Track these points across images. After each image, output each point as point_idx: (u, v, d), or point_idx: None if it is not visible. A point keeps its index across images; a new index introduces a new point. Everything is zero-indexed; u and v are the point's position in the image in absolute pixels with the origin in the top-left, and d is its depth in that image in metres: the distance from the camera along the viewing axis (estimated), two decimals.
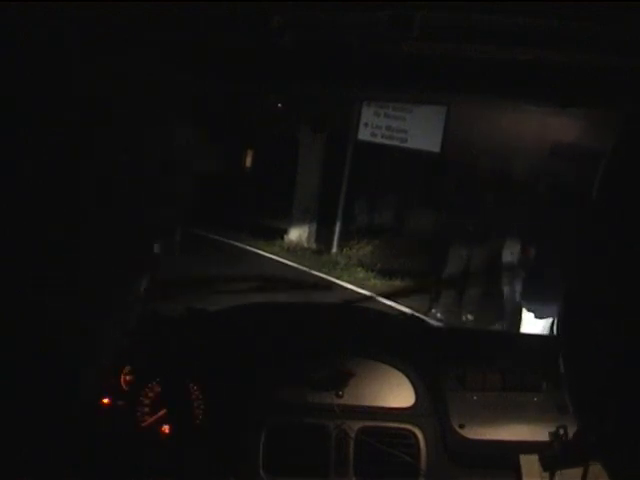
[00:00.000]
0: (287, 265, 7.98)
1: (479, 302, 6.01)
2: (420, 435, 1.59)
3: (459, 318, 5.98)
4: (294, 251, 8.58)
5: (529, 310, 4.05)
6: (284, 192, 9.10)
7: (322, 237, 9.00)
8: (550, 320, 3.95)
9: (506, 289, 5.41)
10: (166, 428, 1.59)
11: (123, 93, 0.85)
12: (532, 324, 4.00)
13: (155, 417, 1.60)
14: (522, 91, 1.27)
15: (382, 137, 4.53)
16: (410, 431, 1.60)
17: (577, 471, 1.57)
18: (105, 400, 1.59)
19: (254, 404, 1.60)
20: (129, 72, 0.87)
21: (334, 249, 8.64)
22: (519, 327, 4.25)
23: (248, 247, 8.49)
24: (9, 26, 0.73)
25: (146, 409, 1.60)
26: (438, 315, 5.94)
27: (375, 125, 4.54)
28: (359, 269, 7.81)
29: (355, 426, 1.58)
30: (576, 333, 0.62)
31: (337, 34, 1.07)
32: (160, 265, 1.12)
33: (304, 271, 7.81)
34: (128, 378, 1.62)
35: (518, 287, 4.92)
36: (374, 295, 6.72)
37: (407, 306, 6.18)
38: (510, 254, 5.28)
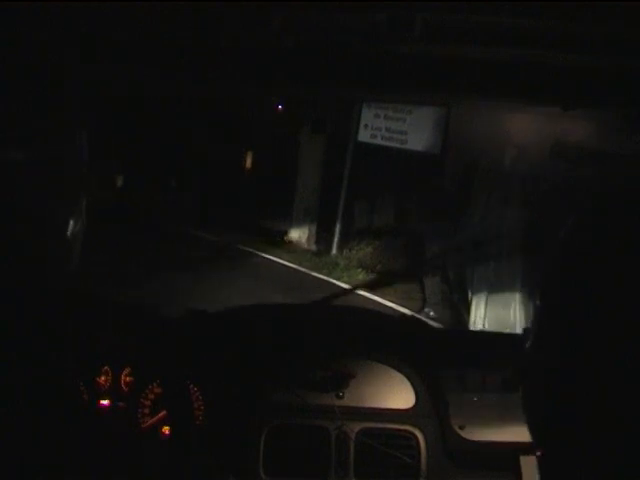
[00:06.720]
0: (287, 266, 7.98)
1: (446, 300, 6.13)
2: (420, 436, 1.59)
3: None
4: (294, 252, 8.58)
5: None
6: (284, 193, 9.10)
7: (322, 238, 9.00)
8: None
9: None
10: (166, 429, 1.59)
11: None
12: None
13: (155, 418, 1.59)
14: (523, 92, 1.27)
15: (382, 139, 4.53)
16: (410, 432, 1.59)
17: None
18: (105, 401, 1.59)
19: (254, 405, 1.59)
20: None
21: (334, 250, 8.64)
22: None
23: (248, 249, 8.48)
24: None
25: (146, 410, 1.60)
26: (431, 314, 5.98)
27: (375, 127, 4.54)
28: (359, 270, 7.81)
29: (355, 427, 1.58)
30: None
31: (337, 35, 1.07)
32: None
33: (304, 272, 7.81)
34: (128, 379, 1.61)
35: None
36: (374, 296, 6.73)
37: (405, 306, 6.21)
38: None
